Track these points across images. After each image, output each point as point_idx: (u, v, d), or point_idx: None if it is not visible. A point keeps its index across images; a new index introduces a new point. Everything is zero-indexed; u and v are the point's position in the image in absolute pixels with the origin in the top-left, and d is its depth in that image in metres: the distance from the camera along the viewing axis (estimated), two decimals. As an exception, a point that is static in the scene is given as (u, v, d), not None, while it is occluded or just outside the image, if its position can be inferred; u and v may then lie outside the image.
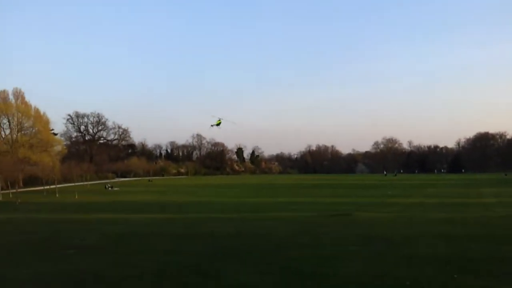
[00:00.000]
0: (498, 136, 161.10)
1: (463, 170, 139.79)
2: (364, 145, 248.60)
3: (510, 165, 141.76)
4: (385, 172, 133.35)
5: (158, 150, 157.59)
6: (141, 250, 11.75)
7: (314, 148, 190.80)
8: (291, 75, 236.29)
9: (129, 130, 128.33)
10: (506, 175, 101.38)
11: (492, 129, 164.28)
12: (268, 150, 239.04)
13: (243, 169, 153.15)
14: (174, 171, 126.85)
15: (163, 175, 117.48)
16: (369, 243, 12.37)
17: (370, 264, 9.39)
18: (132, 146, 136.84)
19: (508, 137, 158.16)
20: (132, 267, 9.54)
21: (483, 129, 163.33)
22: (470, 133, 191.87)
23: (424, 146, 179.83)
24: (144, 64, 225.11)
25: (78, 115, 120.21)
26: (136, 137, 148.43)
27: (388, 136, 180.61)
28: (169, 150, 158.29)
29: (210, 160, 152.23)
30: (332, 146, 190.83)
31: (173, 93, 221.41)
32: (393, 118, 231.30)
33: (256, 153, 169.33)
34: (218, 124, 26.36)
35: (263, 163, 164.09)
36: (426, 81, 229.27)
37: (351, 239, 13.06)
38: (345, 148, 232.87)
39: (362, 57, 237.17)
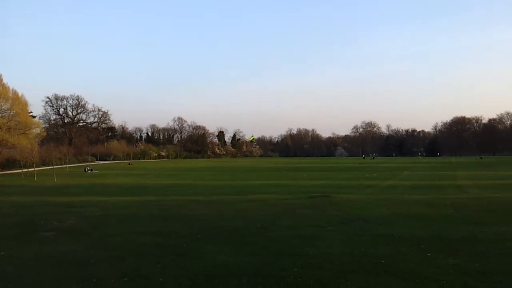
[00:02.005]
0: (474, 121, 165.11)
1: (438, 154, 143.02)
2: (344, 129, 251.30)
3: (485, 149, 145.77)
4: (363, 156, 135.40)
5: (138, 133, 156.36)
6: (121, 232, 11.72)
7: (295, 131, 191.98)
8: (273, 59, 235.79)
9: (109, 113, 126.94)
10: (481, 158, 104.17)
11: (469, 114, 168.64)
12: (250, 133, 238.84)
13: (224, 152, 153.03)
14: (155, 154, 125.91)
15: (139, 158, 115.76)
16: (347, 223, 12.62)
17: (348, 244, 9.62)
18: (112, 129, 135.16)
19: (483, 121, 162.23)
20: (112, 248, 9.54)
21: (459, 114, 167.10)
22: (447, 117, 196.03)
23: (402, 130, 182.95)
24: (125, 46, 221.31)
25: (57, 98, 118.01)
26: (116, 120, 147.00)
27: (367, 120, 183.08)
28: (149, 133, 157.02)
29: (191, 143, 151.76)
30: (313, 130, 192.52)
31: (153, 76, 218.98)
32: (372, 102, 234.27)
33: (237, 137, 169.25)
34: (252, 141, 28.07)
35: (244, 147, 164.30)
36: (404, 66, 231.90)
37: (330, 220, 13.28)
38: (325, 132, 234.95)
39: (342, 41, 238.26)
